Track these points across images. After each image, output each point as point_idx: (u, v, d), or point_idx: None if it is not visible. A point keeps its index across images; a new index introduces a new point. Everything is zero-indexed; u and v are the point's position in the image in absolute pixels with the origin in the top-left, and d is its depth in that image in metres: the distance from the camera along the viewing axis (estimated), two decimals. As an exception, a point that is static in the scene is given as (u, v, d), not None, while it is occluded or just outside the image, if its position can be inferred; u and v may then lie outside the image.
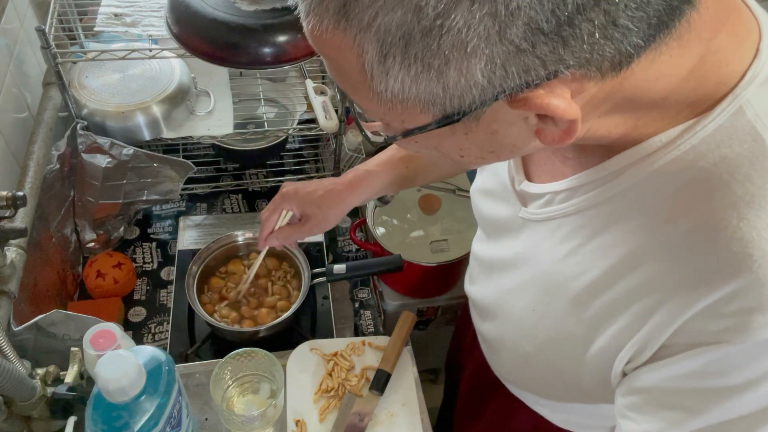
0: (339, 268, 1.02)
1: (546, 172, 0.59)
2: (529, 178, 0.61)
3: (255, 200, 1.33)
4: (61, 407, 0.76)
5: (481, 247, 0.77)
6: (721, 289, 0.42)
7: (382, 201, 1.25)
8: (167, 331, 1.09)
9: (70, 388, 0.76)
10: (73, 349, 0.80)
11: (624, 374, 0.52)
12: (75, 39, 1.18)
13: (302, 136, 1.40)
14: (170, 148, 1.29)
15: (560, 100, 0.37)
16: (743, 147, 0.42)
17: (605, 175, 0.50)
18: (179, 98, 1.12)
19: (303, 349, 0.98)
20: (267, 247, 0.95)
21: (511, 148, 0.45)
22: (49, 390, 0.76)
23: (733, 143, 0.43)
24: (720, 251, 0.42)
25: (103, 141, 1.06)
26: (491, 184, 0.69)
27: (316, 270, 1.05)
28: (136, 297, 1.14)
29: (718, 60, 0.43)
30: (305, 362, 0.96)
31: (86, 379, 0.80)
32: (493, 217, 0.69)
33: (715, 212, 0.43)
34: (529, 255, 0.62)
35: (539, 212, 0.59)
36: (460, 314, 1.16)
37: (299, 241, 1.05)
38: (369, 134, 0.49)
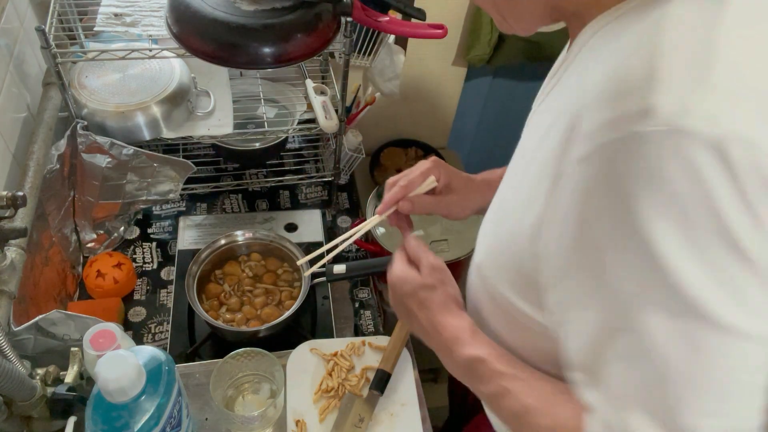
0: (339, 268, 1.02)
1: None
2: None
3: (255, 200, 1.33)
4: (61, 407, 0.76)
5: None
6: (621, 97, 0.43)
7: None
8: (167, 331, 1.09)
9: (70, 388, 0.76)
10: (73, 349, 0.80)
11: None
12: (75, 39, 1.18)
13: (302, 136, 1.40)
14: (170, 148, 1.29)
15: None
16: None
17: (575, 49, 0.53)
18: (179, 98, 1.12)
19: (303, 349, 0.98)
20: (390, 210, 0.83)
21: None
22: (49, 390, 0.76)
23: None
24: (630, 64, 0.43)
25: (103, 141, 1.06)
26: None
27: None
28: (136, 297, 1.14)
29: None
30: (305, 362, 0.97)
31: (86, 379, 0.81)
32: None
33: (638, 34, 0.44)
34: (517, 159, 0.64)
35: (536, 109, 0.62)
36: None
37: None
38: None
